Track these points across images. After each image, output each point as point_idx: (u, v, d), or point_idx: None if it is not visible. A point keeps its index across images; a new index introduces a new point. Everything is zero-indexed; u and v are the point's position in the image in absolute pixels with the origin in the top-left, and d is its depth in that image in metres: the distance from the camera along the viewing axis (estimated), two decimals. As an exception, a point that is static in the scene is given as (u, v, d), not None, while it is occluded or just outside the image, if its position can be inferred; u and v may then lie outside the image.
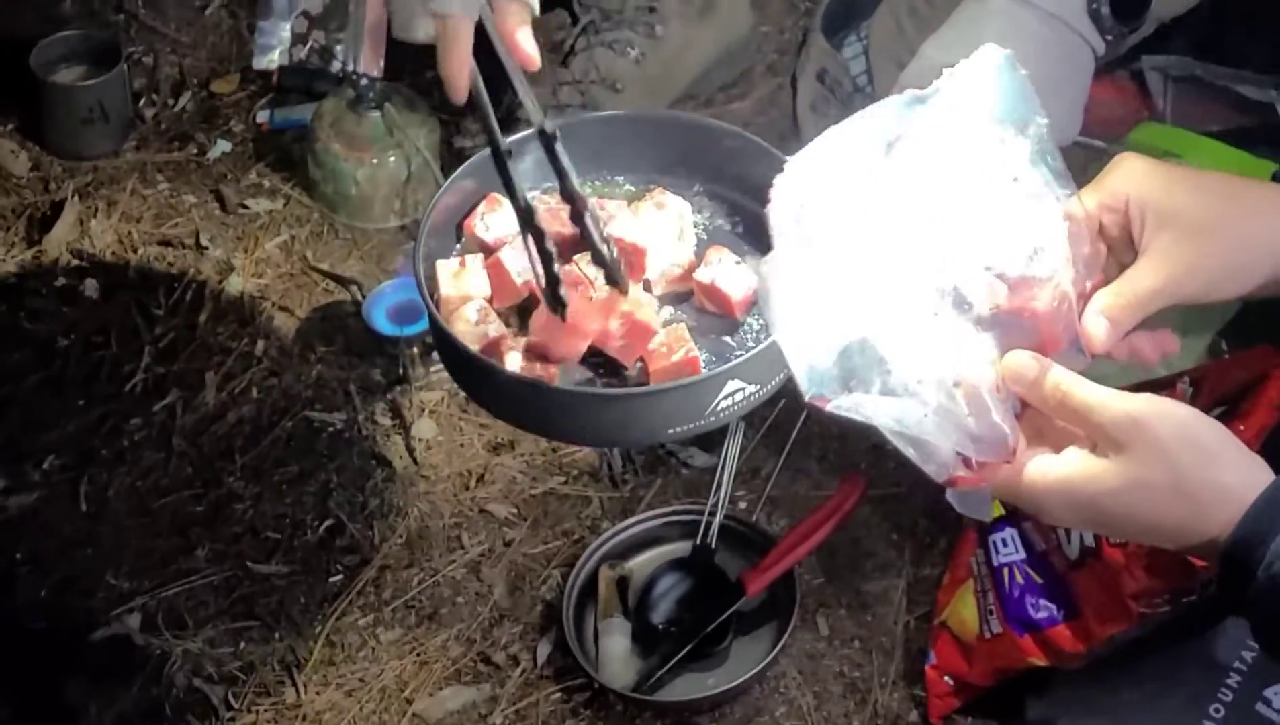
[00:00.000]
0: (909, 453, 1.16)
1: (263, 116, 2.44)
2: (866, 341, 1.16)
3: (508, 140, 1.30)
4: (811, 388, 1.15)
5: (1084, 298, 1.25)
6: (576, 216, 1.28)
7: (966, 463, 1.17)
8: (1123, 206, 1.26)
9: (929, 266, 1.19)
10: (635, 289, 1.37)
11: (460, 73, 1.33)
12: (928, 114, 1.23)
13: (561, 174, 1.29)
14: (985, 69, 1.25)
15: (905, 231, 1.20)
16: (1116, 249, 1.28)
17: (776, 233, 1.20)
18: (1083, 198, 1.27)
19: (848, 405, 1.15)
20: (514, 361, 1.34)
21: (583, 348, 1.36)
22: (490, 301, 1.41)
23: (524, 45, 1.38)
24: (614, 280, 1.30)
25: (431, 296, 1.40)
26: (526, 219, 1.28)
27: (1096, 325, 1.23)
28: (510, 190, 1.29)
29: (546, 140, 1.30)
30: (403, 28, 1.38)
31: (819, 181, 1.21)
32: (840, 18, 2.29)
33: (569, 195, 1.29)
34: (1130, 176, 1.27)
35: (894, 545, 1.93)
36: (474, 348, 1.35)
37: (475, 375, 1.38)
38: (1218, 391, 1.66)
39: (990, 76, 1.25)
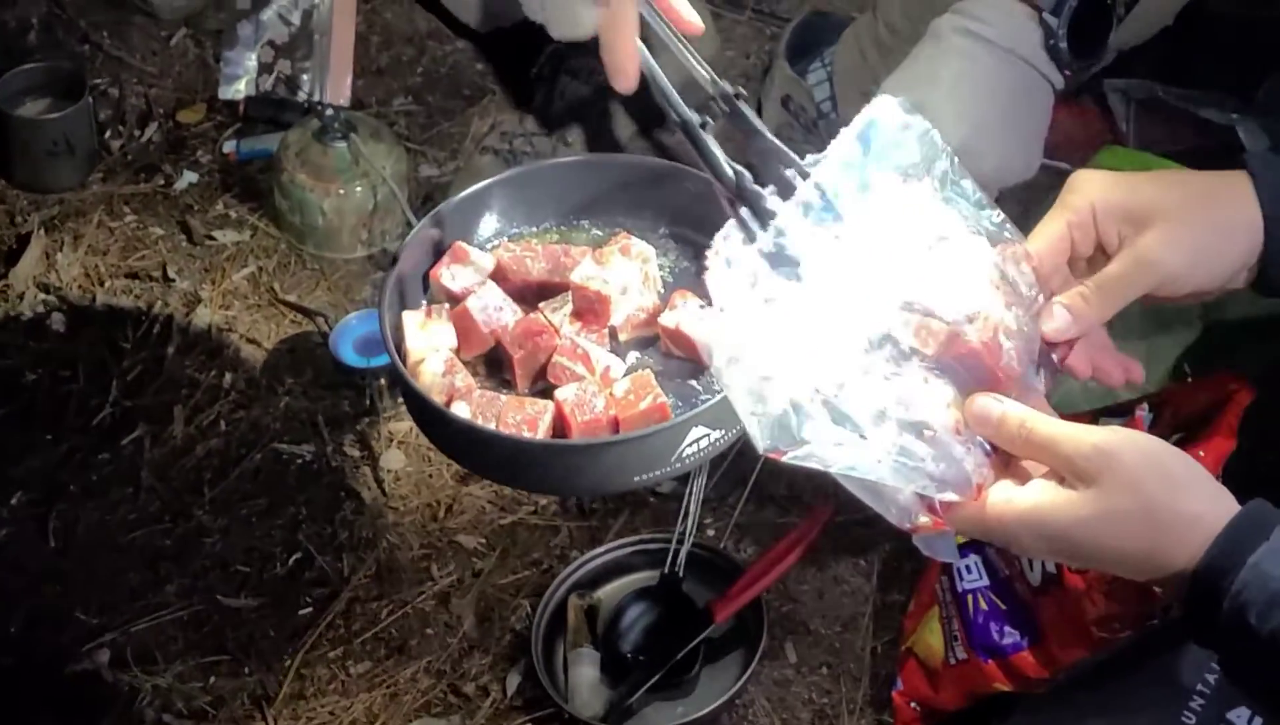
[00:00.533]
0: (868, 500, 1.16)
1: (229, 147, 2.44)
2: (817, 390, 1.16)
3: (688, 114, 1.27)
4: (765, 441, 1.15)
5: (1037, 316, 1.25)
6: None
7: (931, 506, 1.17)
8: (1090, 219, 1.26)
9: (863, 316, 1.19)
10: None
11: (631, 58, 1.29)
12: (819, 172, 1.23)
13: (750, 133, 1.25)
14: (883, 121, 1.24)
15: (838, 284, 1.19)
16: (1092, 269, 1.28)
17: (715, 289, 1.20)
18: (1049, 222, 1.27)
19: (802, 455, 1.15)
20: (462, 410, 1.34)
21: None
22: (457, 352, 1.41)
23: (683, 12, 1.33)
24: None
25: (398, 347, 1.40)
26: (736, 191, 1.24)
27: (1055, 314, 1.24)
28: (711, 164, 1.25)
29: (731, 103, 1.27)
30: (564, 25, 1.32)
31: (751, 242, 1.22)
32: (804, 45, 2.30)
33: (761, 152, 1.24)
34: (1092, 188, 1.27)
35: (861, 572, 1.94)
36: (439, 398, 1.36)
37: (441, 427, 1.38)
38: (1178, 417, 1.67)
39: (890, 127, 1.24)
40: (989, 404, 1.19)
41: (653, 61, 1.30)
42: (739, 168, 1.24)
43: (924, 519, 1.18)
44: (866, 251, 1.19)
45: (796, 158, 1.24)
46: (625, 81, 1.30)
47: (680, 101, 1.26)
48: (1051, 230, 1.27)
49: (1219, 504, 1.15)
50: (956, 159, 1.26)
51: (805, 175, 1.22)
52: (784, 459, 1.15)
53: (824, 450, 1.15)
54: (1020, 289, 1.23)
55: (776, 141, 1.24)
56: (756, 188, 1.23)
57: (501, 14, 2.50)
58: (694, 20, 1.34)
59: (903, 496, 1.17)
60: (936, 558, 1.24)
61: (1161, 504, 1.14)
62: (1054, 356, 1.26)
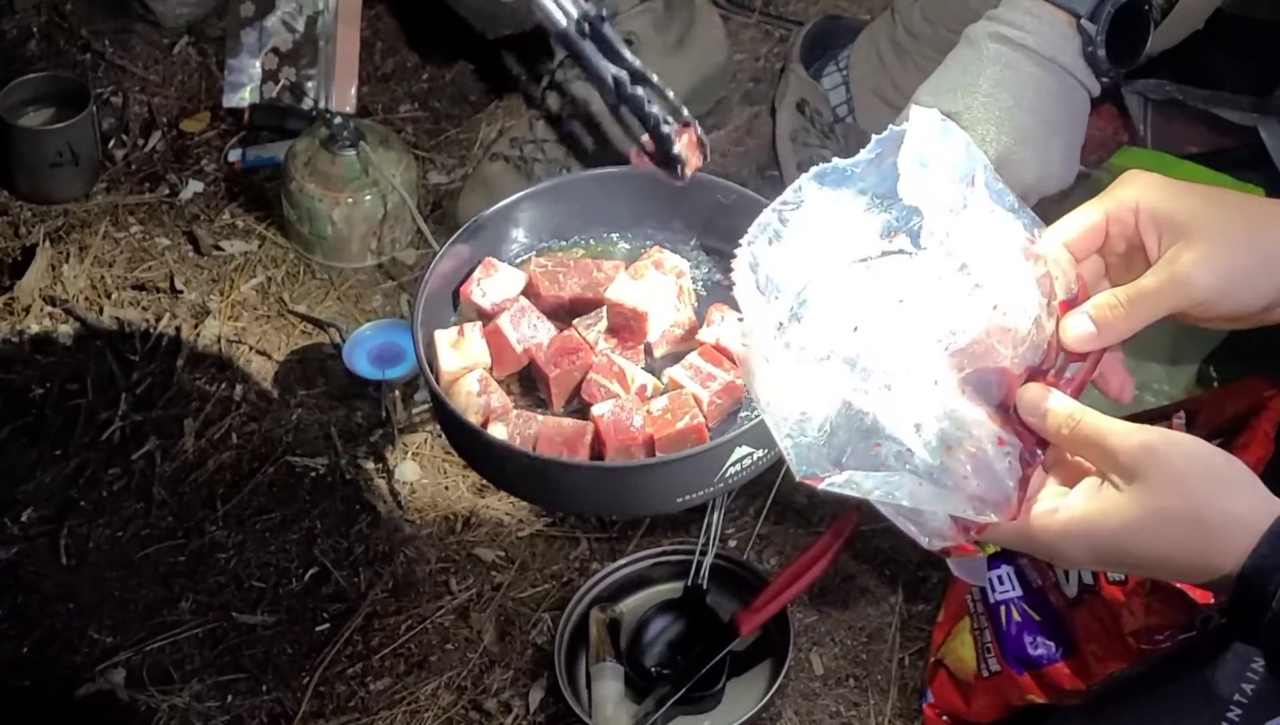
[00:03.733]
0: (905, 527, 1.14)
1: (234, 155, 2.41)
2: (853, 413, 1.14)
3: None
4: (802, 467, 1.13)
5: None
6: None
7: (965, 527, 1.15)
8: (1132, 217, 1.24)
9: (902, 338, 1.17)
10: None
11: None
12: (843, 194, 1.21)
13: (613, 55, 1.27)
14: (925, 132, 1.23)
15: (878, 304, 1.18)
16: (1124, 263, 1.26)
17: (746, 306, 1.18)
18: (1089, 209, 1.25)
19: (840, 482, 1.13)
20: (499, 432, 1.32)
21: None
22: (491, 370, 1.38)
23: None
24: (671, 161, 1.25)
25: (430, 367, 1.37)
26: (617, 91, 1.25)
27: (1078, 324, 1.22)
28: (591, 70, 1.27)
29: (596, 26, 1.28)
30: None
31: (782, 257, 1.19)
32: (818, 48, 2.28)
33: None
34: (1140, 188, 1.25)
35: (886, 581, 1.92)
36: (476, 420, 1.33)
37: (478, 450, 1.36)
38: (1212, 423, 1.65)
39: (932, 139, 1.22)
40: (1039, 392, 1.17)
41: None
42: (619, 74, 1.24)
43: (956, 542, 1.16)
44: (908, 271, 1.18)
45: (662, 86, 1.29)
46: None
47: (558, 14, 1.27)
48: (1089, 218, 1.25)
49: (1265, 504, 1.14)
50: (992, 166, 1.24)
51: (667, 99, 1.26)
52: (821, 486, 1.13)
53: (861, 476, 1.13)
54: (1038, 294, 1.21)
55: (643, 68, 1.27)
56: (637, 91, 1.24)
57: (508, 19, 2.47)
58: None
59: (937, 520, 1.15)
60: (969, 580, 1.22)
61: (1208, 504, 1.13)
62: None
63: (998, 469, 1.15)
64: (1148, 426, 1.15)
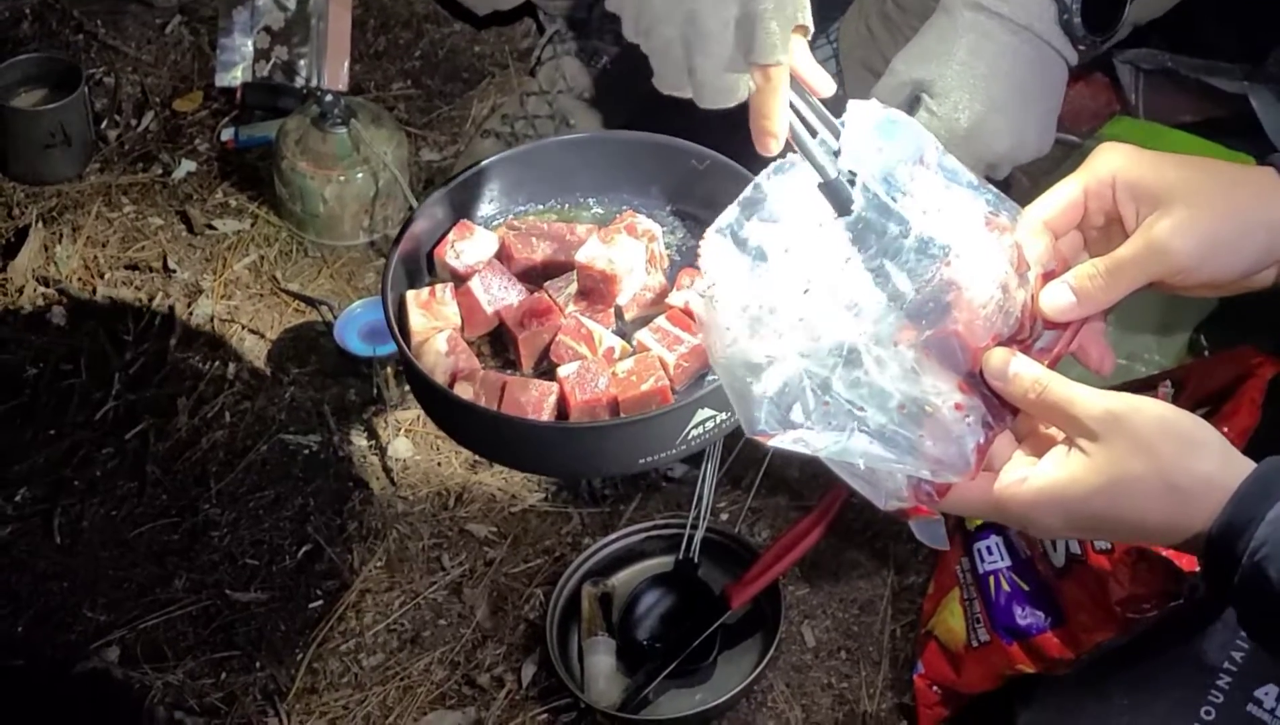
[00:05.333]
0: (857, 486, 1.14)
1: (227, 135, 2.41)
2: (803, 371, 1.14)
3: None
4: (753, 424, 1.13)
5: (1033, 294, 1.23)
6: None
7: (922, 489, 1.15)
8: (1110, 190, 1.24)
9: (851, 298, 1.17)
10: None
11: (783, 124, 1.23)
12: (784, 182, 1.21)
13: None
14: (865, 125, 1.22)
15: (828, 265, 1.17)
16: (1103, 237, 1.26)
17: (705, 264, 1.18)
18: (1067, 184, 1.25)
19: (789, 440, 1.13)
20: (465, 391, 1.32)
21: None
22: (461, 331, 1.39)
23: (811, 75, 1.28)
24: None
25: (401, 328, 1.38)
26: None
27: (1056, 294, 1.21)
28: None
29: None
30: (718, 95, 1.25)
31: (751, 228, 1.19)
32: (808, 20, 2.26)
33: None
34: (1116, 159, 1.25)
35: (877, 554, 1.92)
36: (443, 379, 1.33)
37: (443, 408, 1.36)
38: (1200, 392, 1.65)
39: (874, 130, 1.22)
40: (1004, 356, 1.17)
41: (800, 125, 1.24)
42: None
43: (912, 504, 1.16)
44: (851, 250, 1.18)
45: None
46: (774, 146, 1.24)
47: (826, 160, 1.21)
48: (1067, 193, 1.25)
49: (1233, 465, 1.15)
50: (941, 146, 1.23)
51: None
52: (771, 443, 1.13)
53: (813, 434, 1.13)
54: (1005, 267, 1.20)
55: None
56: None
57: (498, -5, 2.48)
58: (823, 80, 1.28)
59: (893, 482, 1.15)
60: (928, 543, 1.22)
61: (1173, 465, 1.13)
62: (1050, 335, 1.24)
63: (955, 432, 1.15)
64: (1114, 393, 1.15)
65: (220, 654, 1.87)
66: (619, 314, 1.41)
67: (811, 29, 1.25)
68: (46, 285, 2.22)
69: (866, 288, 1.16)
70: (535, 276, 1.43)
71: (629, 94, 2.32)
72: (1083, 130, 2.16)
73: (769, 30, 1.20)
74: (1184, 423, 1.15)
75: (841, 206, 1.18)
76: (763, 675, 1.80)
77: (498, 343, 1.41)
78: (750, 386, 1.14)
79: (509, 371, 1.39)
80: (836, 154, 1.21)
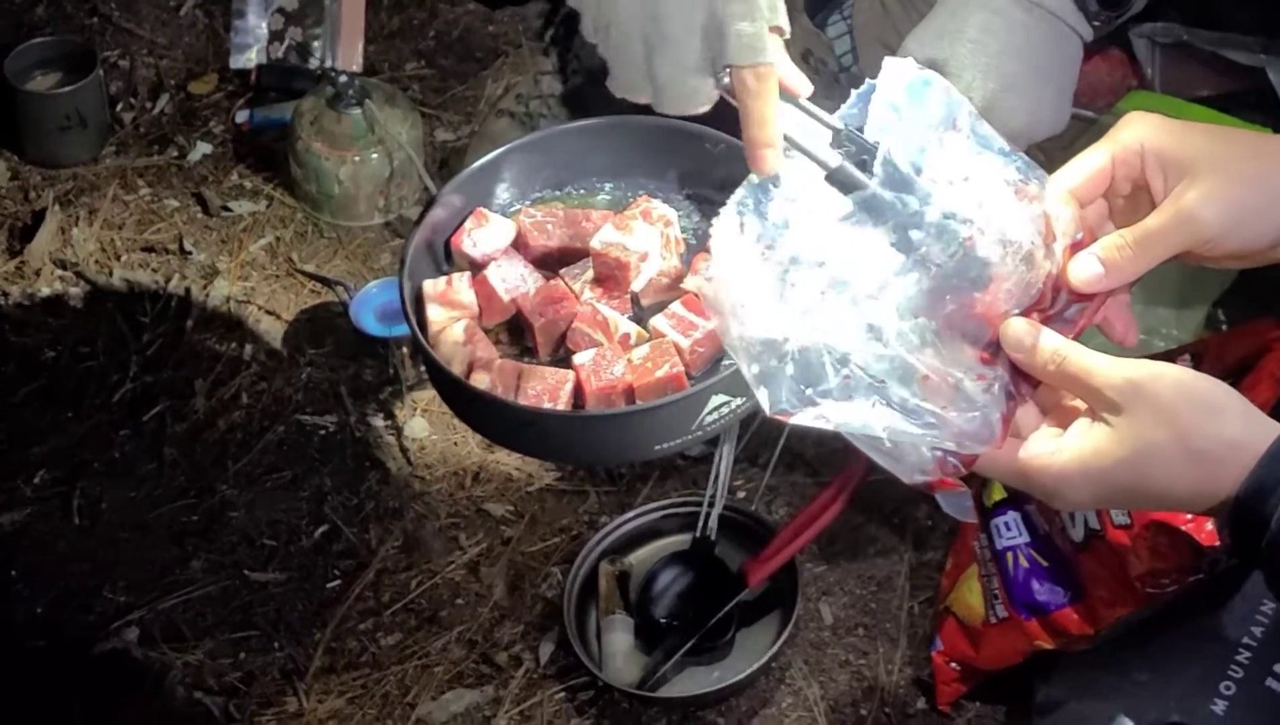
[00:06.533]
0: (880, 459, 1.13)
1: (242, 116, 2.41)
2: (821, 346, 1.13)
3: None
4: (773, 403, 1.13)
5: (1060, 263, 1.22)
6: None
7: (952, 463, 1.15)
8: (1138, 159, 1.23)
9: (870, 269, 1.16)
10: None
11: (778, 128, 1.19)
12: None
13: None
14: (898, 81, 1.21)
15: (848, 249, 1.17)
16: (1129, 206, 1.25)
17: (717, 246, 1.17)
18: (1093, 152, 1.24)
19: (811, 417, 1.12)
20: (481, 380, 1.32)
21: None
22: (478, 319, 1.38)
23: (789, 76, 1.23)
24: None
25: (419, 317, 1.37)
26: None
27: (1085, 266, 1.20)
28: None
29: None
30: (679, 100, 1.23)
31: (766, 207, 1.18)
32: (822, -3, 2.26)
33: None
34: (1144, 128, 1.24)
35: (895, 530, 1.92)
36: (460, 368, 1.33)
37: (460, 397, 1.36)
38: (1219, 366, 1.64)
39: (907, 87, 1.21)
40: (1025, 327, 1.16)
41: (790, 125, 1.21)
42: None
43: (938, 477, 1.15)
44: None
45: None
46: (771, 159, 1.20)
47: (825, 152, 1.18)
48: (1094, 161, 1.24)
49: (1256, 426, 1.13)
50: (974, 110, 1.22)
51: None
52: (792, 421, 1.12)
53: (834, 410, 1.12)
54: (1032, 238, 1.20)
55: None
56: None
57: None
58: (800, 80, 1.24)
59: (917, 455, 1.14)
60: (955, 515, 1.21)
61: (1197, 431, 1.12)
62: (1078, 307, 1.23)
63: (979, 402, 1.14)
64: (1133, 361, 1.14)
65: (239, 634, 1.87)
66: (636, 300, 1.40)
67: (788, 31, 1.23)
68: (64, 268, 2.23)
69: (887, 261, 1.15)
70: (551, 263, 1.42)
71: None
72: (1099, 105, 2.15)
73: (741, 33, 1.19)
74: (1203, 386, 1.14)
75: (853, 189, 1.18)
76: (780, 653, 1.80)
77: (515, 331, 1.40)
78: (769, 364, 1.13)
79: (527, 359, 1.38)
80: (837, 133, 1.20)
